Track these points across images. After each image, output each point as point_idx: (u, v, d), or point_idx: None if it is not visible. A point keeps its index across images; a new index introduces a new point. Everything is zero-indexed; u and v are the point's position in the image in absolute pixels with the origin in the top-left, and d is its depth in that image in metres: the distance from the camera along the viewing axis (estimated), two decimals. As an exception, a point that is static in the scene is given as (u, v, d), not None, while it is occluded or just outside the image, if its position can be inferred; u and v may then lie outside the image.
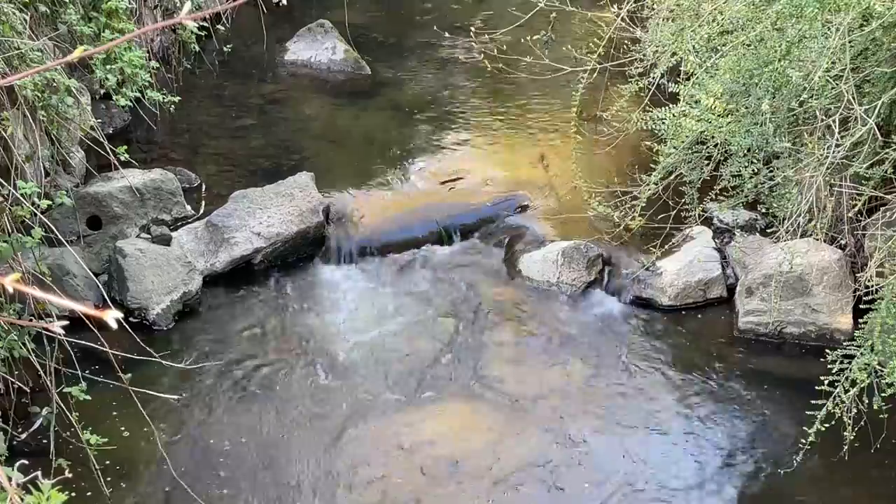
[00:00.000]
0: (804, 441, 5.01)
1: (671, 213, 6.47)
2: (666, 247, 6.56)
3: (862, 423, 5.10)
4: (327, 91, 8.97)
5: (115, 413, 5.45)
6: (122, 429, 5.37)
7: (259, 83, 8.95)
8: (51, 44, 6.36)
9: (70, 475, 4.52)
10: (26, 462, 3.28)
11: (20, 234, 5.38)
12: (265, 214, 6.76)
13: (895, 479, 5.33)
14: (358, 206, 7.14)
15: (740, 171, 5.92)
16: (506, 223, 7.16)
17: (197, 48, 8.38)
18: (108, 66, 6.32)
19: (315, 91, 8.98)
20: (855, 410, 5.00)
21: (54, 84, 5.89)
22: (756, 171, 5.91)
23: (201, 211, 7.03)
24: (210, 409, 5.63)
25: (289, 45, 9.37)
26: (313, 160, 7.72)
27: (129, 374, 5.15)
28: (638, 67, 6.72)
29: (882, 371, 5.02)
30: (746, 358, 6.13)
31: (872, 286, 5.49)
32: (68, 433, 5.13)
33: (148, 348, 5.42)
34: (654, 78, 6.58)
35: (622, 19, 6.97)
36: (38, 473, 2.67)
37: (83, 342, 5.24)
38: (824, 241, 6.23)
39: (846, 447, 5.05)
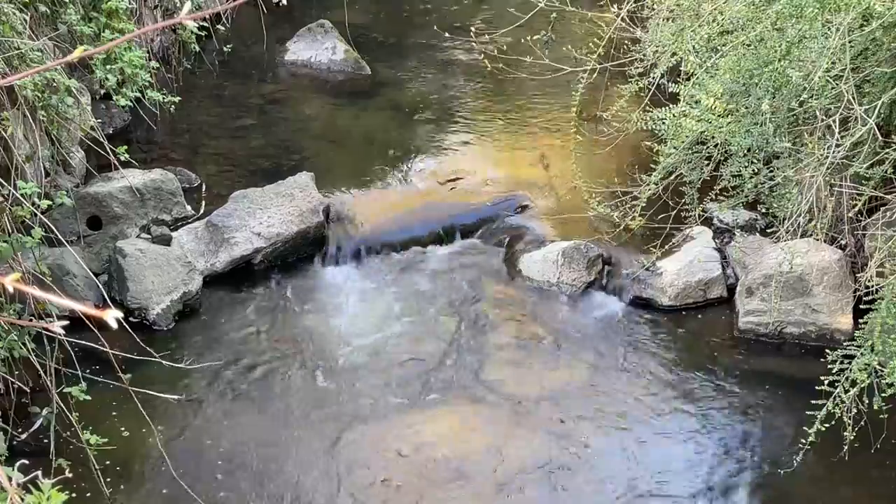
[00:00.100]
0: (804, 441, 5.01)
1: (671, 213, 6.47)
2: (666, 247, 6.56)
3: (862, 423, 5.10)
4: (327, 91, 8.97)
5: (115, 413, 5.45)
6: (122, 429, 5.37)
7: (259, 83, 8.95)
8: (51, 44, 6.36)
9: (70, 475, 4.52)
10: (26, 462, 3.28)
11: (20, 234, 5.38)
12: (265, 214, 6.76)
13: (895, 479, 5.33)
14: (358, 206, 7.14)
15: (740, 171, 5.92)
16: (506, 223, 7.16)
17: (197, 48, 8.38)
18: (108, 66, 6.32)
19: (315, 91, 8.98)
20: (855, 410, 5.00)
21: (54, 84, 5.89)
22: (756, 171, 5.91)
23: (201, 211, 7.03)
24: (210, 410, 5.63)
25: (289, 45, 9.38)
26: (313, 160, 7.72)
27: (129, 374, 5.15)
28: (638, 67, 6.72)
29: (882, 371, 5.02)
30: (746, 358, 6.13)
31: (872, 286, 5.49)
32: (68, 433, 5.13)
33: (148, 348, 5.42)
34: (654, 78, 6.58)
35: (622, 19, 6.96)
36: (39, 473, 2.67)
37: (83, 342, 5.24)
38: (824, 242, 6.23)
39: (846, 447, 5.05)
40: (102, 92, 7.31)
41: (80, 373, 5.22)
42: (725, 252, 6.71)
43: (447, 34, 9.24)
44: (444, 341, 6.20)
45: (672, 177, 6.35)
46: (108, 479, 5.01)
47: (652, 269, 6.55)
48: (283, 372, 5.93)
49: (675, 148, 6.13)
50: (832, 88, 5.31)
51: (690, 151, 6.25)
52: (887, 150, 5.43)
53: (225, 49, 8.66)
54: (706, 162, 6.29)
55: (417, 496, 5.20)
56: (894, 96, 5.37)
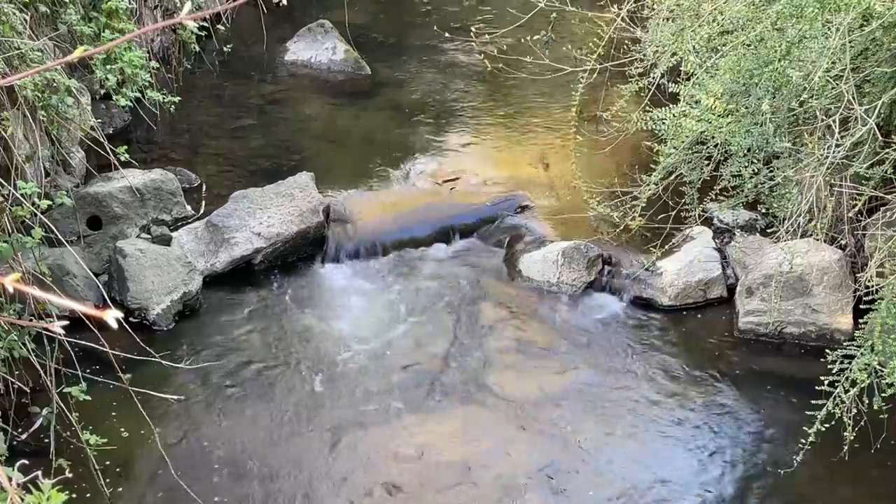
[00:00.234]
0: (804, 441, 5.01)
1: (671, 213, 6.47)
2: (666, 247, 6.56)
3: (862, 423, 5.10)
4: (327, 91, 8.97)
5: (115, 413, 5.45)
6: (122, 429, 5.37)
7: (259, 83, 8.95)
8: (51, 44, 6.36)
9: (70, 475, 4.52)
10: (26, 462, 3.27)
11: (20, 235, 5.38)
12: (265, 214, 6.77)
13: (895, 479, 5.33)
14: (358, 206, 7.14)
15: (740, 171, 5.92)
16: (506, 223, 7.16)
17: (197, 48, 8.38)
18: (108, 66, 6.32)
19: (315, 91, 8.98)
20: (855, 410, 5.00)
21: (54, 84, 5.89)
22: (756, 171, 5.91)
23: (201, 211, 7.03)
24: (210, 410, 5.63)
25: (289, 45, 9.38)
26: (313, 160, 7.72)
27: (129, 375, 5.15)
28: (638, 67, 6.72)
29: (882, 371, 5.02)
30: (746, 358, 6.13)
31: (872, 286, 5.49)
32: (68, 433, 5.12)
33: (148, 348, 5.42)
34: (654, 78, 6.58)
35: (622, 19, 6.96)
36: (39, 473, 2.67)
37: (83, 342, 5.24)
38: (824, 242, 6.23)
39: (846, 447, 5.05)
40: (102, 92, 7.31)
41: (80, 373, 5.22)
42: (725, 252, 6.71)
43: (447, 34, 9.24)
44: (444, 342, 6.20)
45: (672, 177, 6.35)
46: (108, 479, 5.00)
47: (652, 269, 6.55)
48: (283, 372, 5.93)
49: (675, 148, 6.13)
50: (832, 88, 5.31)
51: (690, 151, 6.25)
52: (887, 150, 5.43)
53: (225, 49, 8.66)
54: (706, 162, 6.29)
55: (418, 497, 5.20)
56: (894, 96, 5.37)
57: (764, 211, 6.31)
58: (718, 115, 5.86)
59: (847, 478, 5.25)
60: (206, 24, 8.54)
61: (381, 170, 7.69)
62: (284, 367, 5.96)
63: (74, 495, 4.83)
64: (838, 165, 5.63)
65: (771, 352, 6.19)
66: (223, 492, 5.14)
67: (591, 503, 5.20)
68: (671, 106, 6.18)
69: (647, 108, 6.42)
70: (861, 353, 5.04)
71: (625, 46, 7.20)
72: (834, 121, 5.33)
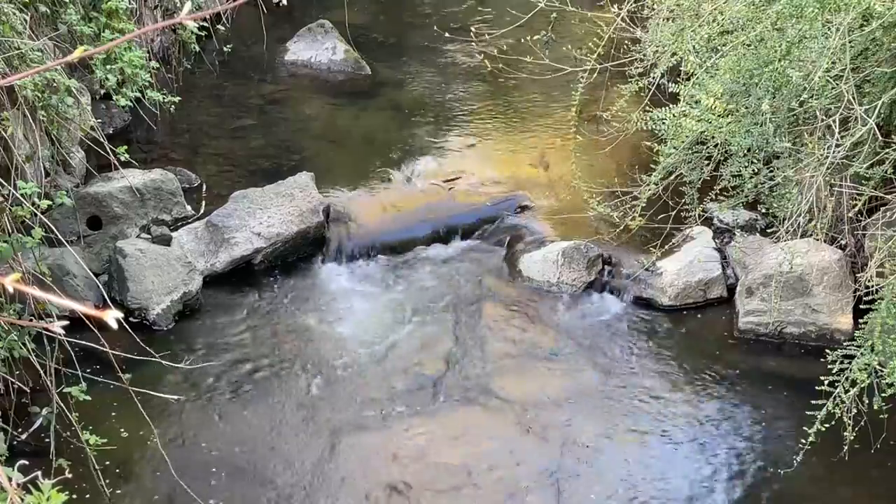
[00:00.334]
0: (804, 441, 5.01)
1: (671, 213, 6.47)
2: (666, 247, 6.57)
3: (862, 423, 5.10)
4: (327, 91, 8.97)
5: (115, 413, 5.45)
6: (122, 429, 5.37)
7: (259, 83, 8.95)
8: (51, 44, 6.36)
9: (70, 475, 4.52)
10: (26, 462, 3.28)
11: (20, 235, 5.38)
12: (265, 214, 6.77)
13: (895, 479, 5.33)
14: (358, 206, 7.14)
15: (740, 171, 5.92)
16: (506, 223, 7.16)
17: (197, 48, 8.38)
18: (108, 66, 6.32)
19: (315, 91, 8.98)
20: (855, 410, 5.00)
21: (54, 84, 5.89)
22: (756, 171, 5.91)
23: (201, 211, 7.03)
24: (210, 410, 5.63)
25: (289, 45, 9.38)
26: (313, 160, 7.72)
27: (129, 375, 5.15)
28: (638, 67, 6.72)
29: (882, 371, 5.02)
30: (746, 358, 6.13)
31: (872, 286, 5.49)
32: (68, 433, 5.12)
33: (148, 348, 5.42)
34: (654, 78, 6.58)
35: (622, 19, 6.97)
36: (38, 473, 2.67)
37: (83, 342, 5.24)
38: (824, 242, 6.23)
39: (846, 447, 5.05)
40: (102, 92, 7.31)
41: (80, 373, 5.22)
42: (725, 252, 6.71)
43: (447, 34, 9.24)
44: (445, 342, 6.20)
45: (672, 177, 6.35)
46: (108, 479, 5.00)
47: (652, 269, 6.55)
48: (283, 372, 5.93)
49: (675, 148, 6.13)
50: (832, 88, 5.31)
51: (690, 151, 6.25)
52: (887, 150, 5.43)
53: (225, 49, 8.66)
54: (706, 162, 6.29)
55: (419, 499, 5.20)
56: (894, 96, 5.37)
57: (764, 211, 6.31)
58: (718, 115, 5.86)
59: (847, 478, 5.25)
60: (206, 24, 8.54)
61: (381, 170, 7.68)
62: (285, 368, 5.96)
63: (74, 495, 4.83)
64: (838, 165, 5.63)
65: (771, 352, 6.19)
66: (223, 492, 5.14)
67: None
68: (671, 106, 6.18)
69: (647, 108, 6.42)
70: (861, 353, 5.04)
71: (625, 46, 7.20)
72: (834, 121, 5.33)
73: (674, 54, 6.37)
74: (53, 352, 5.22)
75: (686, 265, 6.56)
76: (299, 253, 6.83)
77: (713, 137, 6.06)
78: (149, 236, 6.54)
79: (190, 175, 7.32)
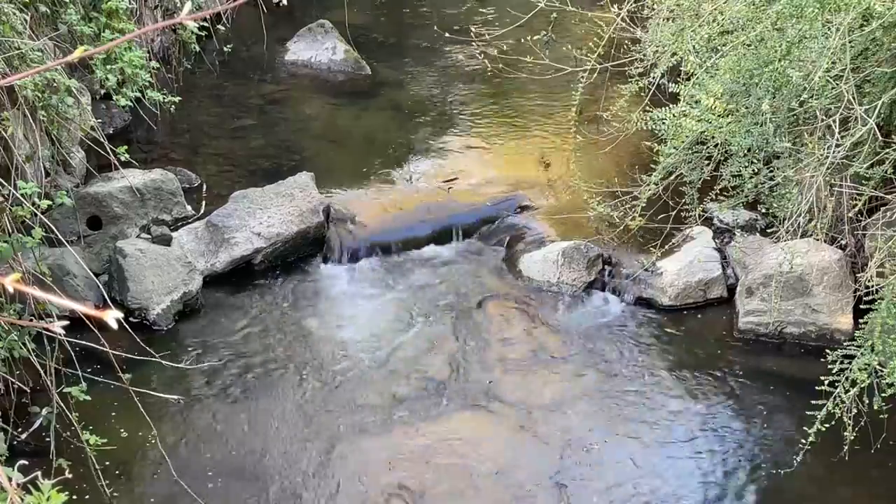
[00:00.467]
0: (804, 441, 5.01)
1: (671, 213, 6.47)
2: (666, 247, 6.57)
3: (862, 423, 5.10)
4: (327, 91, 8.97)
5: (115, 413, 5.45)
6: (122, 429, 5.37)
7: (259, 83, 8.95)
8: (51, 44, 6.36)
9: (70, 475, 4.51)
10: (26, 462, 3.28)
11: (20, 235, 5.38)
12: (265, 214, 6.77)
13: (895, 479, 5.33)
14: (358, 206, 7.14)
15: (740, 171, 5.92)
16: (506, 223, 7.16)
17: (197, 48, 8.38)
18: (108, 66, 6.32)
19: (315, 91, 8.98)
20: (855, 410, 5.00)
21: (54, 84, 5.89)
22: (756, 171, 5.91)
23: (201, 211, 7.03)
24: (210, 410, 5.63)
25: (289, 45, 9.38)
26: (313, 160, 7.72)
27: (129, 375, 5.15)
28: (638, 67, 6.72)
29: (882, 371, 5.02)
30: (746, 358, 6.13)
31: (873, 286, 5.49)
32: (68, 433, 5.13)
33: (148, 348, 5.43)
34: (654, 78, 6.58)
35: (622, 19, 6.96)
36: (38, 473, 2.67)
37: (83, 342, 5.24)
38: (824, 242, 6.23)
39: (846, 447, 5.05)
40: (102, 92, 7.31)
41: (80, 373, 5.22)
42: (725, 252, 6.71)
43: (447, 34, 9.24)
44: (445, 343, 6.20)
45: (672, 177, 6.35)
46: (108, 479, 5.00)
47: (652, 269, 6.55)
48: (283, 372, 5.93)
49: (675, 148, 6.13)
50: (832, 88, 5.31)
51: (690, 151, 6.25)
52: (887, 150, 5.43)
53: (225, 49, 8.66)
54: (706, 162, 6.29)
55: (420, 501, 5.20)
56: (894, 96, 5.37)
57: (764, 211, 6.31)
58: (718, 115, 5.85)
59: (847, 478, 5.25)
60: (206, 24, 8.54)
61: (381, 170, 7.69)
62: (285, 367, 5.96)
63: (74, 496, 4.83)
64: (838, 165, 5.63)
65: (771, 352, 6.19)
66: (223, 492, 5.14)
67: None
68: (671, 106, 6.18)
69: (647, 108, 6.42)
70: (861, 353, 5.04)
71: (625, 46, 7.20)
72: (834, 121, 5.33)
73: (674, 54, 6.37)
74: (53, 352, 5.23)
75: (686, 265, 6.56)
76: (299, 253, 6.84)
77: (713, 137, 6.06)
78: (149, 236, 6.54)
79: (190, 175, 7.32)
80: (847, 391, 4.97)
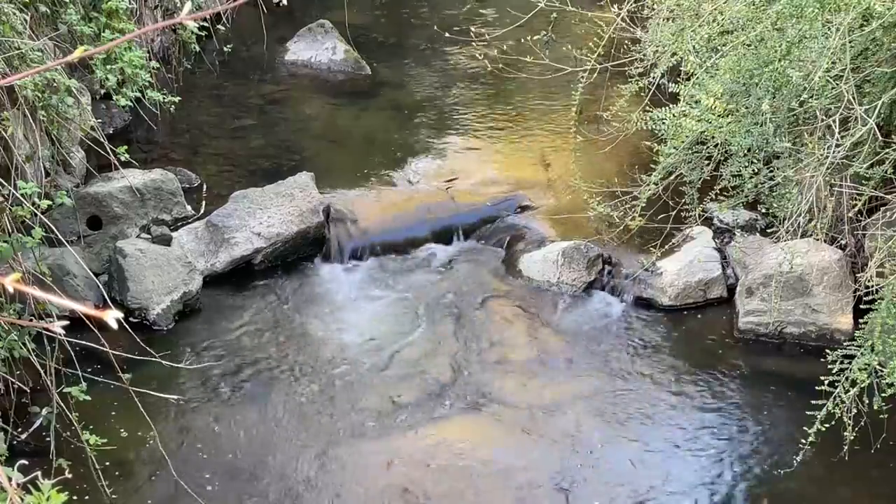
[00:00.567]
0: (804, 441, 5.01)
1: (671, 213, 6.47)
2: (666, 247, 6.56)
3: (862, 423, 5.10)
4: (327, 91, 8.97)
5: (115, 413, 5.45)
6: (122, 429, 5.37)
7: (259, 83, 8.95)
8: (51, 44, 6.36)
9: (70, 475, 4.51)
10: (26, 462, 3.28)
11: (20, 234, 5.38)
12: (265, 214, 6.77)
13: (895, 479, 5.33)
14: (358, 206, 7.14)
15: (740, 171, 5.92)
16: (506, 223, 7.16)
17: (197, 48, 8.38)
18: (108, 66, 6.32)
19: (315, 91, 8.98)
20: (855, 410, 5.00)
21: (54, 84, 5.89)
22: (756, 171, 5.91)
23: (201, 211, 7.03)
24: (210, 410, 5.62)
25: (289, 45, 9.38)
26: (313, 160, 7.72)
27: (129, 374, 5.15)
28: (638, 67, 6.72)
29: (882, 371, 5.02)
30: (747, 358, 6.13)
31: (873, 286, 5.49)
32: (68, 433, 5.12)
33: (148, 348, 5.42)
34: (654, 78, 6.58)
35: (622, 19, 6.96)
36: (38, 473, 2.67)
37: (83, 342, 5.24)
38: (824, 242, 6.23)
39: (846, 447, 5.05)
40: (102, 92, 7.31)
41: (80, 373, 5.22)
42: (725, 252, 6.71)
43: (447, 34, 9.24)
44: (445, 343, 6.20)
45: (672, 177, 6.35)
46: (108, 479, 5.00)
47: (652, 269, 6.55)
48: (283, 373, 5.93)
49: (675, 148, 6.13)
50: (832, 88, 5.31)
51: (690, 151, 6.25)
52: (887, 150, 5.43)
53: (225, 49, 8.66)
54: (706, 162, 6.29)
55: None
56: (894, 96, 5.37)
57: (764, 211, 6.30)
58: (718, 115, 5.85)
59: (847, 478, 5.25)
60: (206, 24, 8.54)
61: (381, 170, 7.69)
62: (285, 368, 5.96)
63: (75, 496, 4.83)
64: (838, 165, 5.63)
65: (771, 352, 6.19)
66: (223, 492, 5.14)
67: None
68: (671, 106, 6.17)
69: (647, 108, 6.42)
70: (861, 353, 5.04)
71: (625, 46, 7.20)
72: (834, 121, 5.33)
73: (674, 54, 6.37)
74: (53, 352, 5.22)
75: (686, 265, 6.56)
76: (299, 253, 6.84)
77: (713, 137, 6.06)
78: (149, 236, 6.54)
79: (190, 175, 7.32)
80: (847, 391, 4.97)
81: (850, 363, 5.02)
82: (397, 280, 6.74)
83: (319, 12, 9.76)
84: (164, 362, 5.29)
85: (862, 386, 4.98)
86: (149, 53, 7.73)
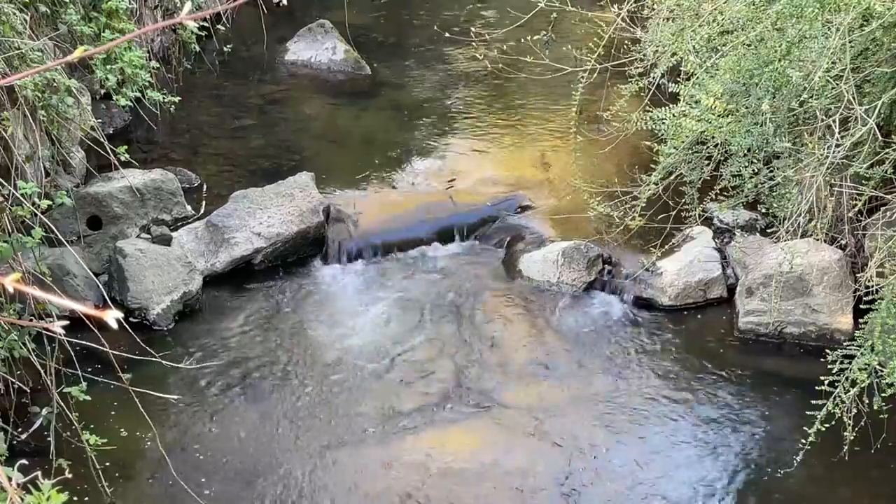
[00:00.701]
0: (804, 441, 5.01)
1: (671, 213, 6.47)
2: (666, 247, 6.56)
3: (862, 423, 5.10)
4: (327, 91, 8.97)
5: (115, 413, 5.45)
6: (122, 429, 5.37)
7: (259, 83, 8.95)
8: (51, 44, 6.36)
9: (70, 475, 4.49)
10: (26, 462, 3.28)
11: (20, 234, 5.38)
12: (265, 214, 6.77)
13: (895, 479, 5.33)
14: (358, 206, 7.14)
15: (740, 171, 5.92)
16: (506, 223, 7.16)
17: (197, 48, 8.38)
18: (108, 66, 6.32)
19: (315, 91, 8.98)
20: (855, 410, 5.00)
21: (54, 84, 5.89)
22: (756, 171, 5.91)
23: (201, 211, 7.03)
24: (210, 409, 5.63)
25: (289, 45, 9.38)
26: (313, 160, 7.72)
27: (129, 374, 5.15)
28: (638, 67, 6.72)
29: (882, 371, 5.02)
30: (746, 358, 6.13)
31: (873, 286, 5.49)
32: (68, 433, 5.13)
33: (148, 348, 5.42)
34: (654, 78, 6.58)
35: (622, 19, 6.96)
36: (39, 473, 2.67)
37: (83, 342, 5.24)
38: (824, 242, 6.23)
39: (846, 447, 5.05)
40: (102, 92, 7.31)
41: (80, 373, 5.22)
42: (725, 252, 6.71)
43: (447, 34, 9.24)
44: (445, 344, 6.20)
45: (672, 177, 6.34)
46: (108, 480, 5.00)
47: (652, 269, 6.55)
48: (283, 373, 5.93)
49: (675, 148, 6.13)
50: (832, 88, 5.31)
51: (690, 151, 6.25)
52: (887, 150, 5.43)
53: (225, 49, 8.66)
54: (706, 162, 6.29)
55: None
56: (894, 96, 5.37)
57: (764, 211, 6.30)
58: (718, 115, 5.85)
59: (847, 478, 5.25)
60: (206, 24, 8.54)
61: (381, 170, 7.69)
62: (285, 368, 5.96)
63: (75, 496, 4.83)
64: (838, 165, 5.63)
65: (771, 352, 6.19)
66: (223, 492, 5.14)
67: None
68: (671, 106, 6.17)
69: (647, 108, 6.42)
70: (861, 353, 5.04)
71: (625, 46, 7.20)
72: (834, 121, 5.33)
73: (674, 54, 6.37)
74: (53, 352, 5.22)
75: (686, 265, 6.56)
76: (299, 253, 6.84)
77: (713, 137, 6.06)
78: (149, 236, 6.54)
79: (190, 175, 7.32)
80: (847, 391, 4.96)
81: (850, 363, 5.02)
82: (397, 280, 6.74)
83: (319, 12, 9.77)
84: (164, 362, 5.29)
85: (862, 386, 4.98)
86: (149, 53, 7.73)
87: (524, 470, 5.34)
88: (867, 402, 5.06)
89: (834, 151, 5.35)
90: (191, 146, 7.93)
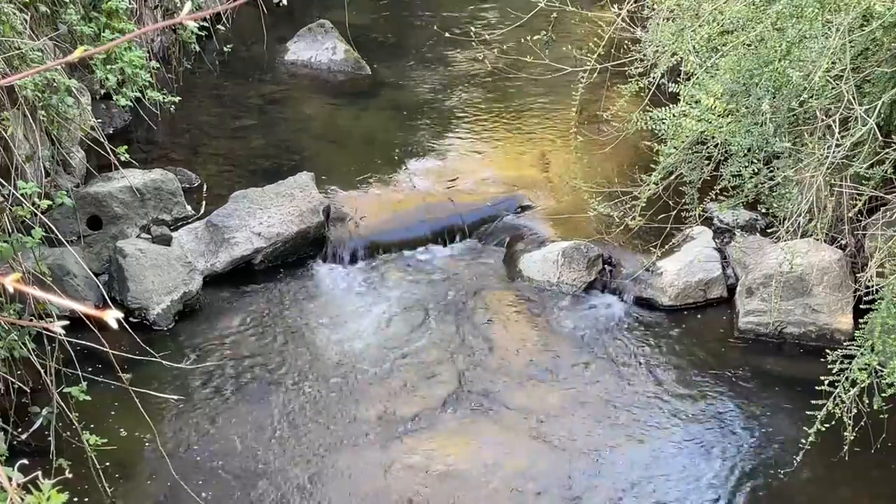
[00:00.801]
0: (804, 441, 5.01)
1: (671, 213, 6.47)
2: (666, 247, 6.56)
3: (862, 423, 5.10)
4: (327, 91, 8.98)
5: (115, 413, 5.45)
6: (122, 429, 5.37)
7: (259, 83, 8.95)
8: (51, 44, 6.36)
9: (70, 475, 4.50)
10: (26, 462, 3.28)
11: (20, 234, 5.38)
12: (265, 214, 6.77)
13: (895, 479, 5.33)
14: (358, 206, 7.14)
15: (740, 171, 5.92)
16: (506, 223, 7.16)
17: (197, 48, 8.39)
18: (108, 66, 6.32)
19: (315, 91, 8.98)
20: (855, 410, 5.00)
21: (54, 84, 5.89)
22: (756, 171, 5.91)
23: (202, 211, 7.03)
24: (210, 410, 5.62)
25: (289, 45, 9.39)
26: (313, 160, 7.73)
27: (129, 374, 5.15)
28: (638, 67, 6.72)
29: (882, 371, 5.02)
30: (746, 358, 6.13)
31: (873, 286, 5.49)
32: (68, 433, 5.13)
33: (148, 348, 5.42)
34: (654, 78, 6.58)
35: (622, 19, 6.96)
36: (39, 473, 2.67)
37: (83, 342, 5.24)
38: (824, 242, 6.23)
39: (846, 447, 5.05)
40: (102, 92, 7.32)
41: (80, 373, 5.22)
42: (725, 252, 6.71)
43: (448, 34, 9.24)
44: (445, 344, 6.20)
45: (672, 177, 6.34)
46: (108, 480, 5.00)
47: (652, 269, 6.55)
48: (283, 373, 5.93)
49: (675, 148, 6.13)
50: (832, 88, 5.31)
51: (690, 151, 6.25)
52: (887, 150, 5.43)
53: (225, 49, 8.66)
54: (706, 162, 6.29)
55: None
56: (894, 96, 5.37)
57: (764, 211, 6.30)
58: (718, 115, 5.85)
59: (847, 478, 5.25)
60: (206, 24, 8.55)
61: (381, 170, 7.69)
62: (285, 368, 5.96)
63: (75, 496, 4.83)
64: (838, 165, 5.62)
65: (771, 352, 6.19)
66: (223, 492, 5.14)
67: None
68: (671, 106, 6.17)
69: (647, 108, 6.42)
70: (861, 353, 5.04)
71: (625, 46, 7.20)
72: (834, 121, 5.33)
73: (674, 54, 6.37)
74: (53, 352, 5.22)
75: (686, 265, 6.56)
76: (299, 253, 6.84)
77: (713, 137, 6.06)
78: (149, 236, 6.54)
79: (190, 175, 7.32)
80: (847, 391, 4.96)
81: (850, 363, 5.02)
82: (396, 281, 6.74)
83: (319, 12, 9.77)
84: (164, 362, 5.29)
85: (862, 386, 4.98)
86: (149, 53, 7.73)
87: (524, 471, 5.34)
88: (867, 402, 5.05)
89: (834, 151, 5.35)
90: (191, 146, 7.93)
